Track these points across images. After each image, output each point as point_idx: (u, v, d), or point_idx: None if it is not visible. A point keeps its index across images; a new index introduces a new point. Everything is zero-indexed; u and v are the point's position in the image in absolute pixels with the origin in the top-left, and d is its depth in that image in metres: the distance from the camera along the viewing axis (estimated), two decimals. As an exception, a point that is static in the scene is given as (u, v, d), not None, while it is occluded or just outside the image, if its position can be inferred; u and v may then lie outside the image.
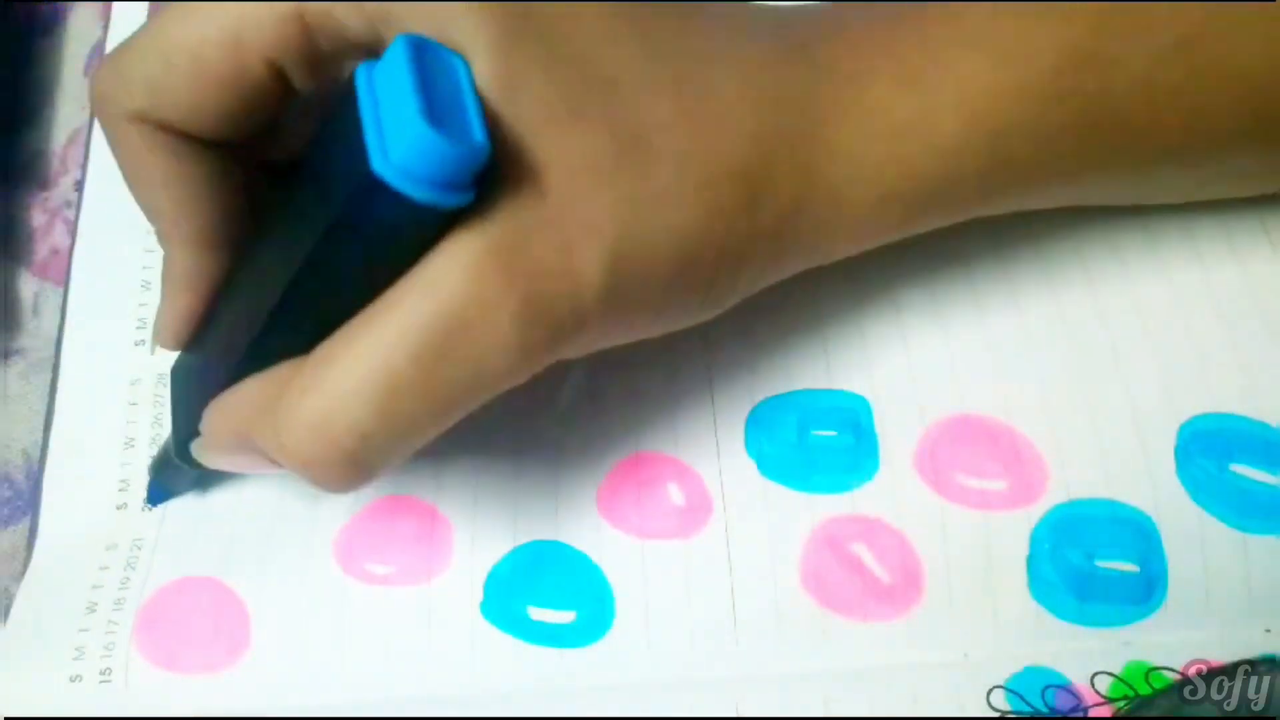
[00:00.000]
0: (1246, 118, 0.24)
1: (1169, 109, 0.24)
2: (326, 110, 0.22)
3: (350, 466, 0.20)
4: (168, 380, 0.28)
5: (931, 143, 0.23)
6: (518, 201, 0.20)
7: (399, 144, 0.18)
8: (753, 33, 0.24)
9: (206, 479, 0.28)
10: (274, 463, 0.22)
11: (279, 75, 0.21)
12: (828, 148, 0.23)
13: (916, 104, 0.23)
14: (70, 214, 0.33)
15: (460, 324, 0.20)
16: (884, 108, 0.23)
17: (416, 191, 0.18)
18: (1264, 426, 0.27)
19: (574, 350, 0.22)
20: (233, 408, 0.22)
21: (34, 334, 0.32)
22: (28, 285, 0.33)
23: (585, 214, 0.20)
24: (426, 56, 0.19)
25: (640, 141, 0.21)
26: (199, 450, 0.24)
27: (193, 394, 0.24)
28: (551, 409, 0.29)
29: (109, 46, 0.35)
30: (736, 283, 0.23)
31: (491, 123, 0.19)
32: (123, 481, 0.29)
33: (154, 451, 0.29)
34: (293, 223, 0.21)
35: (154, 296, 0.31)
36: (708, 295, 0.23)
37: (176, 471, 0.27)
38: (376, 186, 0.18)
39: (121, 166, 0.23)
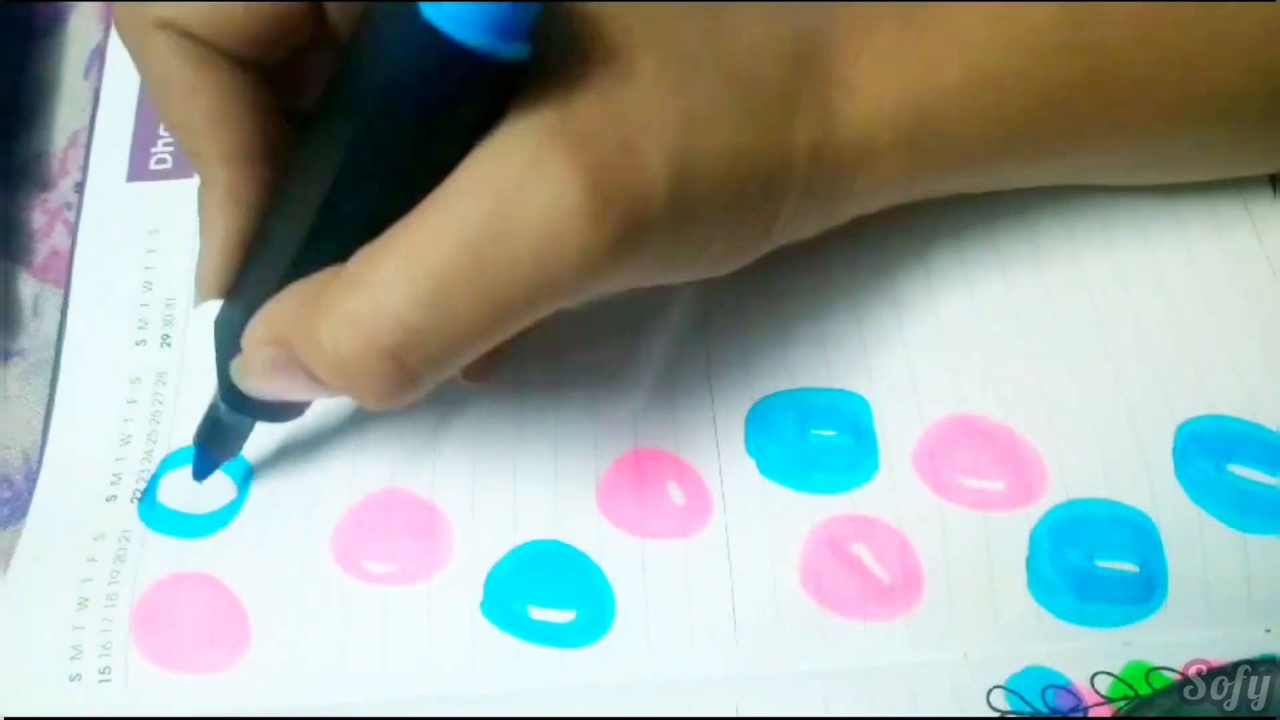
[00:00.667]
0: (1241, 76, 0.24)
1: (1165, 64, 0.24)
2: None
3: (392, 369, 0.19)
4: (166, 379, 0.28)
5: (937, 88, 0.24)
6: (581, 91, 0.19)
7: None
8: None
9: (250, 428, 0.27)
10: (314, 379, 0.20)
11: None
12: (845, 84, 0.23)
13: (921, 52, 0.23)
14: (70, 215, 0.33)
15: (520, 211, 0.18)
16: (892, 53, 0.23)
17: (473, 37, 0.17)
18: (1261, 429, 0.27)
19: (635, 266, 0.20)
20: (272, 314, 0.21)
21: (34, 335, 0.32)
22: (28, 286, 0.33)
23: (647, 116, 0.19)
24: None
25: (691, 57, 0.21)
26: (238, 372, 0.22)
27: (236, 337, 0.23)
28: (552, 408, 0.29)
29: (110, 48, 0.35)
30: (780, 211, 0.23)
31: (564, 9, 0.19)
32: (115, 475, 0.29)
33: (151, 449, 0.29)
34: (334, 118, 0.20)
35: (155, 297, 0.31)
36: (757, 219, 0.23)
37: (222, 436, 0.27)
38: (429, 37, 0.17)
39: (148, 81, 0.22)
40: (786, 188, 0.23)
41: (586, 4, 0.20)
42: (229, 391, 0.24)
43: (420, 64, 0.18)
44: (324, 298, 0.19)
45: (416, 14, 0.17)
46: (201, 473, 0.28)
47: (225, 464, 0.28)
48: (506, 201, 0.18)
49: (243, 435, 0.27)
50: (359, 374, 0.19)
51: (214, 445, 0.27)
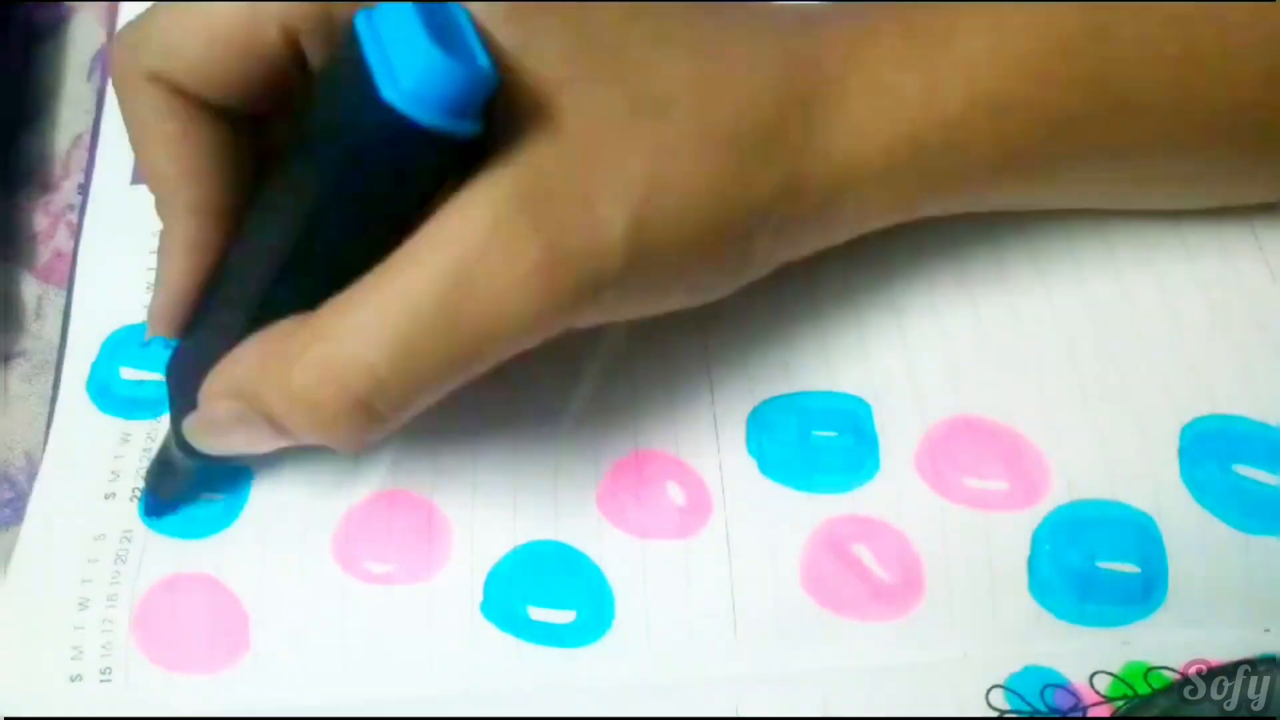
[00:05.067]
0: (1253, 90, 0.24)
1: (1165, 86, 0.24)
2: (325, 64, 0.22)
3: (363, 415, 0.20)
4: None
5: (936, 115, 0.23)
6: (537, 152, 0.20)
7: (408, 71, 0.18)
8: (762, 12, 0.24)
9: (203, 483, 0.28)
10: (276, 429, 0.21)
11: (292, 43, 0.21)
12: (838, 110, 0.23)
13: (920, 79, 0.23)
14: (73, 217, 0.34)
15: (483, 269, 0.19)
16: (891, 80, 0.23)
17: (428, 117, 0.18)
18: (1266, 427, 0.27)
19: (597, 311, 0.21)
20: (233, 368, 0.22)
21: (36, 336, 0.33)
22: (30, 288, 0.33)
23: (605, 169, 0.20)
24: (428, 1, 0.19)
25: (657, 100, 0.21)
26: (193, 430, 0.24)
27: (191, 384, 0.24)
28: (555, 407, 0.29)
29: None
30: (753, 249, 0.23)
31: (506, 76, 0.20)
32: (113, 473, 0.29)
33: (150, 446, 0.29)
34: (295, 179, 0.21)
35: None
36: (726, 260, 0.23)
37: (173, 478, 0.27)
38: (388, 116, 0.18)
39: (131, 128, 0.23)
40: (757, 228, 0.23)
41: (545, 73, 0.20)
42: (182, 441, 0.25)
43: (378, 137, 0.19)
44: (293, 347, 0.20)
45: (375, 94, 0.18)
46: (154, 512, 0.28)
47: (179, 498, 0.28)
48: (469, 260, 0.19)
49: (192, 475, 0.28)
50: (330, 420, 0.20)
51: (164, 486, 0.28)
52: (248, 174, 0.23)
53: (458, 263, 0.19)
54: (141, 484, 0.29)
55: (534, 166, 0.20)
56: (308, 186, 0.20)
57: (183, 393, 0.25)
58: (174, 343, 0.25)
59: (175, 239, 0.23)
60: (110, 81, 0.24)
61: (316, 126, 0.21)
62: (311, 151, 0.21)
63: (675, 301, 0.23)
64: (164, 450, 0.27)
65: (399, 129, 0.18)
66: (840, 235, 0.26)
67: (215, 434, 0.23)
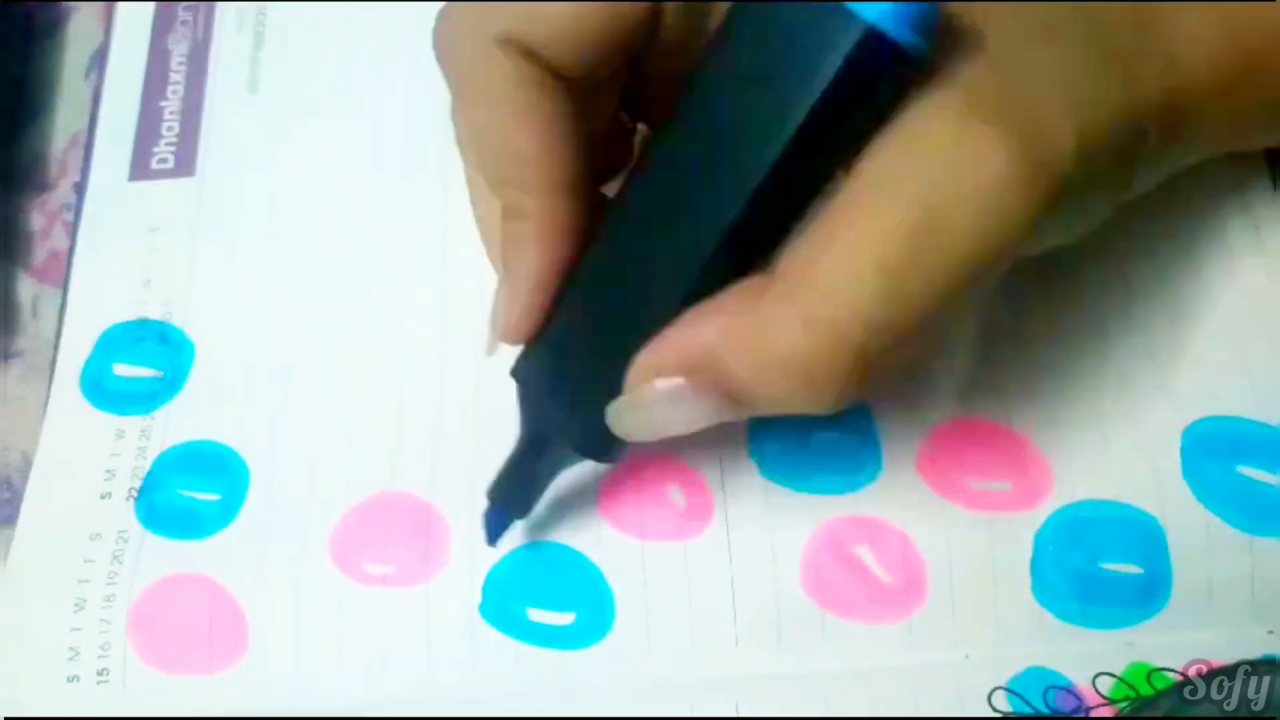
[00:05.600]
0: None
1: None
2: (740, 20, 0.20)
3: (857, 368, 0.19)
4: (162, 375, 0.28)
5: (1261, 24, 0.23)
6: (976, 73, 0.19)
7: None
8: None
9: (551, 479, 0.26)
10: (733, 399, 0.20)
11: (654, 12, 0.21)
12: (1178, 30, 0.23)
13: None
14: (69, 217, 0.33)
15: (957, 187, 0.18)
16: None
17: (906, 36, 0.18)
18: (1269, 428, 0.27)
19: (1047, 234, 0.21)
20: (680, 342, 0.20)
21: (33, 336, 0.32)
22: (27, 288, 0.33)
23: (1040, 87, 0.20)
24: None
25: (1056, 31, 0.21)
26: (622, 413, 0.22)
27: (575, 373, 0.22)
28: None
29: (111, 49, 0.35)
30: (1135, 170, 0.23)
31: None
32: (108, 471, 0.29)
33: (145, 445, 0.29)
34: (725, 134, 0.20)
35: (153, 295, 0.31)
36: (1122, 179, 0.23)
37: (524, 491, 0.26)
38: (865, 38, 0.18)
39: (472, 101, 0.21)
40: (1146, 138, 0.22)
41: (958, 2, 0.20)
42: (538, 440, 0.24)
43: (854, 64, 0.18)
44: (762, 308, 0.19)
45: (852, 16, 0.18)
46: (496, 534, 0.26)
47: None
48: (940, 181, 0.18)
49: (542, 488, 0.26)
50: (821, 378, 0.19)
51: (515, 502, 0.26)
52: (591, 146, 0.22)
53: (928, 185, 0.18)
54: (484, 506, 0.26)
55: (978, 85, 0.19)
56: (751, 139, 0.19)
57: (546, 392, 0.23)
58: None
59: (534, 224, 0.21)
60: (440, 50, 0.22)
61: (732, 60, 0.20)
62: (755, 100, 0.19)
63: (1075, 231, 0.22)
64: (515, 463, 0.25)
65: (875, 52, 0.18)
66: (1174, 166, 0.25)
67: (650, 414, 0.21)
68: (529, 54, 0.21)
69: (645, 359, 0.21)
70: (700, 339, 0.20)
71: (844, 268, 0.19)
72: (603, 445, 0.23)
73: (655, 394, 0.21)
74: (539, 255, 0.22)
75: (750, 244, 0.20)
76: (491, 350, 0.23)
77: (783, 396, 0.20)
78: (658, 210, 0.21)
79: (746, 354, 0.19)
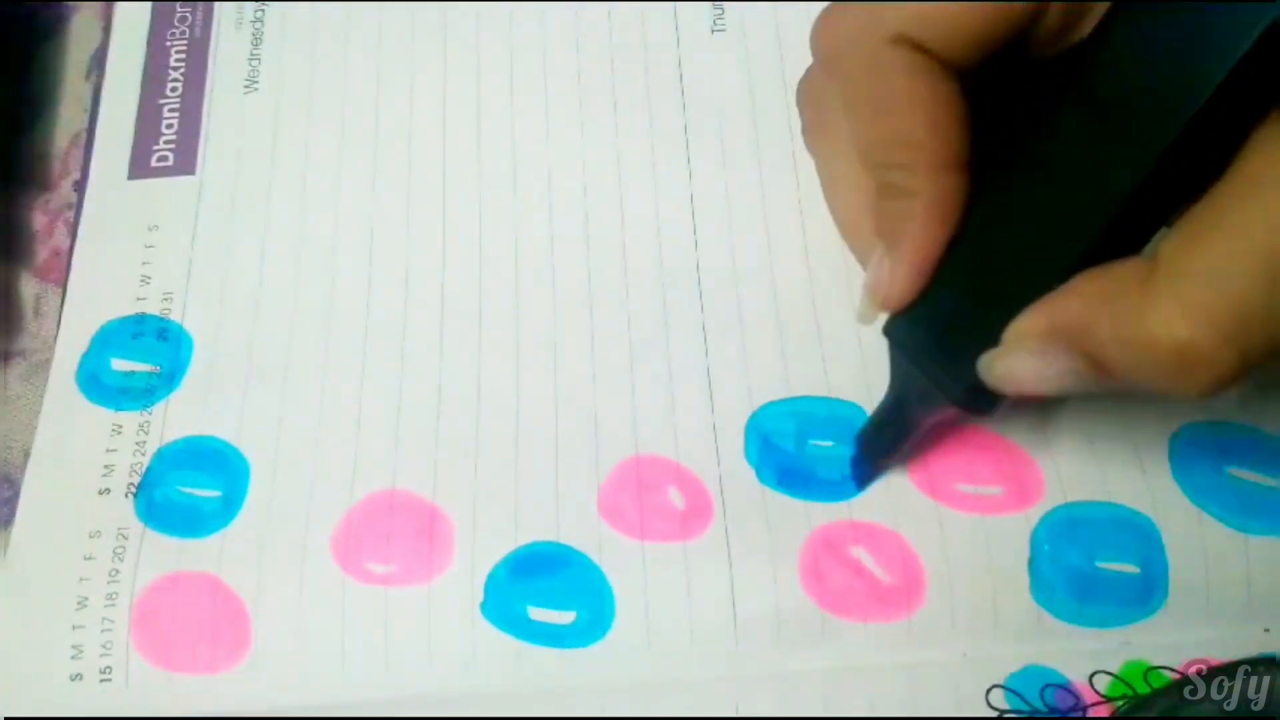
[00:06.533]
0: None
1: None
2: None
3: (1233, 358, 0.19)
4: (159, 370, 0.28)
5: None
6: None
7: None
8: None
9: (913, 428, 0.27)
10: (1095, 368, 0.21)
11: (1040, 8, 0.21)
12: None
13: None
14: (71, 215, 0.33)
15: None
16: None
17: None
18: (1259, 432, 0.27)
19: None
20: (1059, 308, 0.21)
21: (35, 335, 0.33)
22: (29, 287, 0.33)
23: None
24: None
25: None
26: (993, 361, 0.22)
27: (954, 332, 0.23)
28: (553, 410, 0.29)
29: (111, 49, 0.35)
30: None
31: None
32: (106, 467, 0.29)
33: (144, 440, 0.29)
34: (1118, 119, 0.20)
35: (152, 291, 0.31)
36: None
37: (891, 438, 0.27)
38: None
39: (868, 96, 0.23)
40: None
41: None
42: (909, 393, 0.25)
43: (1265, 43, 0.18)
44: (1147, 290, 0.19)
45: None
46: (866, 480, 0.28)
47: None
48: None
49: (909, 436, 0.27)
50: (1195, 363, 0.19)
51: (882, 450, 0.27)
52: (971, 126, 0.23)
53: None
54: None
55: None
56: (1151, 116, 0.20)
57: (924, 348, 0.24)
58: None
59: (924, 203, 0.23)
60: (823, 49, 0.24)
61: (1172, 46, 0.20)
62: (1158, 77, 0.20)
63: None
64: (887, 411, 0.27)
65: None
66: None
67: (1018, 364, 0.22)
68: (919, 47, 0.22)
69: (1021, 322, 0.22)
70: (1076, 308, 0.21)
71: (1228, 254, 0.19)
72: (976, 398, 0.24)
73: (1019, 352, 0.22)
74: (927, 230, 0.23)
75: (1137, 223, 0.21)
76: (870, 319, 0.25)
77: (1150, 376, 0.20)
78: (1047, 185, 0.22)
79: (1120, 328, 0.20)
